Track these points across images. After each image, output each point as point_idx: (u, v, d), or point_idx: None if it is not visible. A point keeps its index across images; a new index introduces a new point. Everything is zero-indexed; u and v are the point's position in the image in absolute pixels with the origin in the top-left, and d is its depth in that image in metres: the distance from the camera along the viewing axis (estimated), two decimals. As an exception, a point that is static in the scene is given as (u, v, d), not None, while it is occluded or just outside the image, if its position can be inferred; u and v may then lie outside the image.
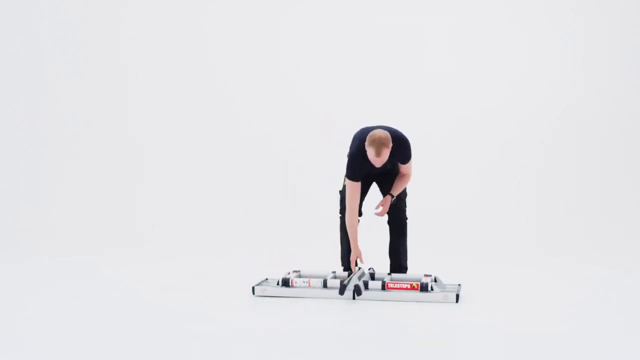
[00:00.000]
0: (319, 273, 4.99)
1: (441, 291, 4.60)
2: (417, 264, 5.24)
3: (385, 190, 4.97)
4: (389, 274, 4.97)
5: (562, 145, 7.39)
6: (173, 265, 5.99)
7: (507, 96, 7.48)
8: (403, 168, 4.87)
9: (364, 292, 4.61)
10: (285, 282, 4.73)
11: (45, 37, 7.94)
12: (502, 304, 4.57)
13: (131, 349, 3.61)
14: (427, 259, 5.75)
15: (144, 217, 7.49)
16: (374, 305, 4.48)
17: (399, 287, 4.60)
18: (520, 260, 6.24)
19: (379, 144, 4.47)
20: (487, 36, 7.50)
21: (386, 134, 4.52)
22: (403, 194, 5.00)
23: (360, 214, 4.91)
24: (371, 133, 4.54)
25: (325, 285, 4.69)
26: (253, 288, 4.74)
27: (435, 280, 4.75)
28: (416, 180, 5.05)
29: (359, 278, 4.72)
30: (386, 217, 4.97)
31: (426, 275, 4.78)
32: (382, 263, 5.13)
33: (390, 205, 4.89)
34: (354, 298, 4.60)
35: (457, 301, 4.52)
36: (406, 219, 5.05)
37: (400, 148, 4.69)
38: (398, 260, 5.04)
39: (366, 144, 4.53)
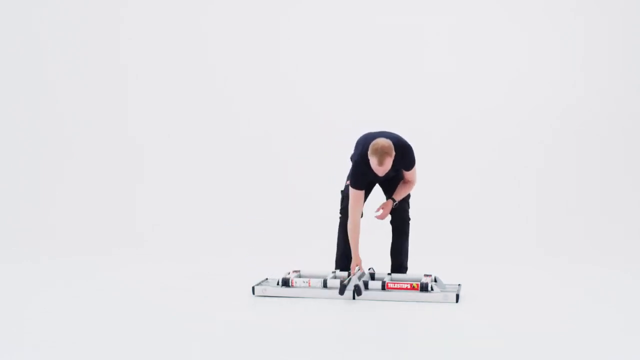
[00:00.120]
0: (319, 273, 4.99)
1: (441, 291, 4.60)
2: (417, 264, 5.23)
3: (389, 194, 4.97)
4: (389, 274, 4.97)
5: (562, 145, 7.39)
6: (173, 265, 5.99)
7: (507, 96, 7.48)
8: (407, 175, 4.87)
9: (364, 292, 4.61)
10: (285, 282, 4.73)
11: (45, 37, 7.94)
12: (502, 304, 4.57)
13: (131, 349, 3.61)
14: (427, 259, 5.75)
15: (144, 217, 7.49)
16: (374, 305, 4.48)
17: (399, 287, 4.60)
18: (520, 260, 6.24)
19: (381, 153, 4.47)
20: (487, 36, 7.50)
21: (389, 142, 4.52)
22: (406, 195, 5.00)
23: (361, 215, 4.91)
24: (374, 142, 4.53)
25: (325, 285, 4.69)
26: (253, 288, 4.74)
27: (435, 280, 4.75)
28: (417, 180, 5.04)
29: (359, 278, 4.72)
30: (389, 216, 4.97)
31: (426, 275, 4.78)
32: (382, 263, 5.13)
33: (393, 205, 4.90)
34: (354, 298, 4.60)
35: (457, 301, 4.52)
36: (409, 219, 5.05)
37: (404, 155, 4.69)
38: (399, 260, 5.04)
39: (369, 152, 4.53)
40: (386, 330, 4.01)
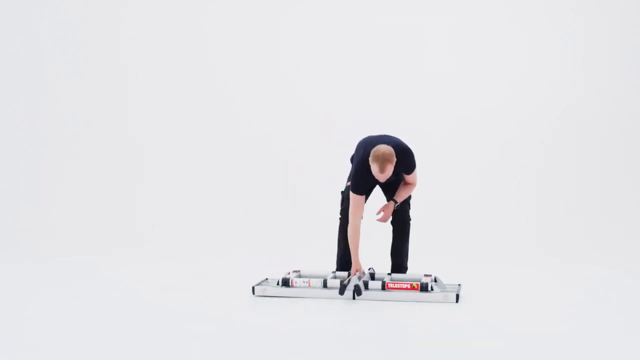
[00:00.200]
0: (319, 273, 4.99)
1: (441, 291, 4.60)
2: (417, 264, 5.24)
3: (389, 196, 4.97)
4: (389, 274, 4.97)
5: (562, 145, 7.39)
6: (173, 265, 5.99)
7: (507, 96, 7.47)
8: (408, 178, 4.88)
9: (364, 292, 4.61)
10: (285, 282, 4.73)
11: (45, 37, 7.94)
12: (502, 304, 4.57)
13: (131, 349, 3.61)
14: (427, 259, 5.75)
15: (144, 217, 7.49)
16: (374, 305, 4.48)
17: (399, 287, 4.61)
18: (520, 260, 6.24)
19: (382, 160, 4.48)
20: (487, 36, 7.50)
21: (390, 149, 4.52)
22: (407, 196, 5.01)
23: (361, 217, 4.91)
24: (375, 149, 4.54)
25: (325, 285, 4.69)
26: (253, 288, 4.74)
27: (435, 280, 4.75)
28: (417, 183, 5.04)
29: (359, 278, 4.72)
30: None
31: (426, 275, 4.79)
32: (382, 263, 5.13)
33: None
34: (354, 298, 4.60)
35: (457, 301, 4.53)
36: (409, 219, 5.05)
37: (404, 159, 4.69)
38: (399, 260, 5.04)
39: (370, 159, 4.54)
40: (386, 330, 4.01)
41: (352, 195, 4.73)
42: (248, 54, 7.72)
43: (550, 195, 7.29)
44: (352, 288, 4.59)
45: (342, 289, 4.57)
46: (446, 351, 3.56)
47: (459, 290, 4.66)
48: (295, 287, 4.71)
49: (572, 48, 7.42)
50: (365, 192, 4.79)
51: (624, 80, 7.35)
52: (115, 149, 7.83)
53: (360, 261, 4.81)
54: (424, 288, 4.56)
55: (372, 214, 4.91)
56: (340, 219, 5.06)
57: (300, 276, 4.95)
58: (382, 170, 4.50)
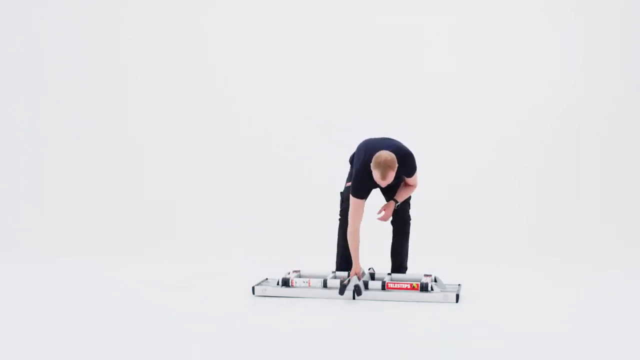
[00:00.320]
0: (319, 273, 4.99)
1: (441, 291, 4.60)
2: (417, 264, 5.24)
3: (388, 197, 4.97)
4: (389, 274, 4.97)
5: (562, 145, 7.39)
6: (173, 265, 5.99)
7: (507, 96, 7.47)
8: (409, 180, 4.89)
9: (364, 292, 4.62)
10: (285, 282, 4.73)
11: (45, 37, 7.94)
12: (502, 304, 4.57)
13: (131, 348, 3.61)
14: (427, 259, 5.75)
15: (143, 217, 7.48)
16: (374, 305, 4.48)
17: (399, 287, 4.61)
18: (520, 260, 6.24)
19: (384, 167, 4.50)
20: (487, 36, 7.50)
21: (392, 156, 4.53)
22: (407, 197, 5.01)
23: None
24: (377, 155, 4.55)
25: (325, 285, 4.70)
26: (253, 288, 4.74)
27: (435, 280, 4.75)
28: (418, 184, 5.04)
29: (359, 278, 4.72)
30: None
31: (426, 275, 4.79)
32: (382, 263, 5.13)
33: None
34: (354, 298, 4.60)
35: (457, 301, 4.53)
36: (409, 219, 5.05)
37: (405, 163, 4.70)
38: (399, 260, 5.04)
39: (372, 165, 4.55)
40: (386, 330, 4.01)
41: (353, 199, 4.73)
42: (248, 54, 7.72)
43: (550, 195, 7.29)
44: (352, 288, 4.60)
45: (342, 289, 4.57)
46: (446, 351, 3.56)
47: (459, 290, 4.66)
48: (295, 287, 4.71)
49: (572, 48, 7.42)
50: (366, 196, 4.79)
51: (624, 80, 7.35)
52: (115, 149, 7.83)
53: (360, 264, 4.81)
54: (424, 288, 4.56)
55: (372, 214, 4.91)
56: (339, 219, 5.06)
57: (300, 276, 4.96)
58: (384, 177, 4.52)
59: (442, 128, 7.48)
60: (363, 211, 4.77)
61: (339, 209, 5.07)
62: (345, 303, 4.52)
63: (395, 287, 4.61)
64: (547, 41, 7.44)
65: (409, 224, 5.05)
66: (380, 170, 4.50)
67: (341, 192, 5.08)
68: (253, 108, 7.71)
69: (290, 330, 3.95)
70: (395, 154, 4.58)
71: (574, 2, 7.41)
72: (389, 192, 4.96)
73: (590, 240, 6.74)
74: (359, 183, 4.72)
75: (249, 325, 4.05)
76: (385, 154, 4.53)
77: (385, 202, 4.95)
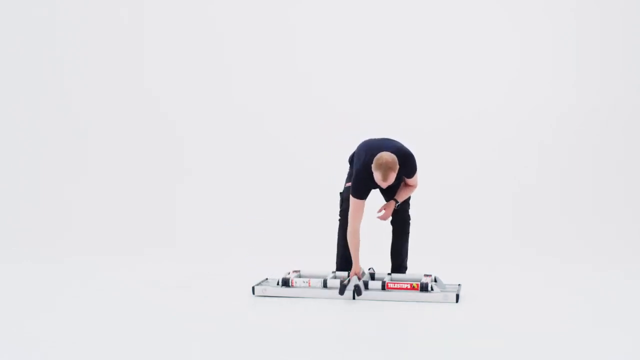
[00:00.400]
0: (319, 273, 4.99)
1: (441, 291, 4.60)
2: (417, 264, 5.24)
3: (388, 197, 4.98)
4: (389, 274, 4.97)
5: (562, 145, 7.39)
6: (173, 265, 5.99)
7: (507, 96, 7.47)
8: (409, 180, 4.90)
9: (364, 292, 4.62)
10: (285, 282, 4.73)
11: (45, 37, 7.93)
12: (502, 304, 4.57)
13: (131, 348, 3.61)
14: (427, 259, 5.75)
15: (143, 218, 7.48)
16: (374, 305, 4.48)
17: (399, 287, 4.61)
18: (519, 260, 6.24)
19: (385, 169, 4.50)
20: (486, 36, 7.50)
21: (393, 158, 4.54)
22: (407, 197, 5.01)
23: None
24: (378, 156, 4.55)
25: (325, 285, 4.70)
26: (253, 288, 4.74)
27: (435, 280, 4.75)
28: (418, 184, 5.04)
29: (359, 278, 4.72)
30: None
31: (426, 275, 4.79)
32: (382, 263, 5.13)
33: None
34: (354, 298, 4.60)
35: (457, 301, 4.53)
36: (409, 219, 5.05)
37: (405, 164, 4.71)
38: (399, 260, 5.04)
39: (373, 166, 4.55)
40: (386, 330, 4.01)
41: (353, 199, 4.73)
42: (247, 54, 7.72)
43: (550, 195, 7.29)
44: (352, 288, 4.60)
45: (342, 289, 4.57)
46: (446, 351, 3.56)
47: (459, 290, 4.66)
48: (295, 287, 4.71)
49: (572, 48, 7.42)
50: (367, 197, 4.79)
51: (624, 80, 7.34)
52: (115, 149, 7.83)
53: (360, 264, 4.81)
54: (424, 288, 4.56)
55: (372, 213, 4.91)
56: (339, 219, 5.06)
57: (300, 276, 4.96)
58: (385, 178, 4.52)
59: (442, 128, 7.47)
60: (363, 211, 4.77)
61: (339, 209, 5.07)
62: (345, 303, 4.52)
63: (395, 287, 4.61)
64: (547, 41, 7.43)
65: (408, 223, 5.05)
66: (382, 172, 4.51)
67: (341, 193, 5.08)
68: (253, 109, 7.70)
69: (290, 330, 3.95)
70: (396, 155, 4.58)
71: (573, 2, 7.41)
72: (389, 193, 4.96)
73: (590, 240, 6.74)
74: (359, 183, 4.72)
75: (249, 325, 4.05)
76: (387, 155, 4.54)
77: (385, 202, 4.95)
